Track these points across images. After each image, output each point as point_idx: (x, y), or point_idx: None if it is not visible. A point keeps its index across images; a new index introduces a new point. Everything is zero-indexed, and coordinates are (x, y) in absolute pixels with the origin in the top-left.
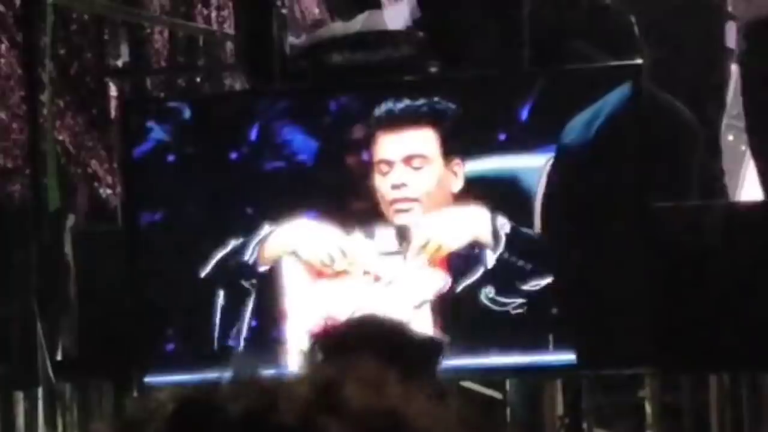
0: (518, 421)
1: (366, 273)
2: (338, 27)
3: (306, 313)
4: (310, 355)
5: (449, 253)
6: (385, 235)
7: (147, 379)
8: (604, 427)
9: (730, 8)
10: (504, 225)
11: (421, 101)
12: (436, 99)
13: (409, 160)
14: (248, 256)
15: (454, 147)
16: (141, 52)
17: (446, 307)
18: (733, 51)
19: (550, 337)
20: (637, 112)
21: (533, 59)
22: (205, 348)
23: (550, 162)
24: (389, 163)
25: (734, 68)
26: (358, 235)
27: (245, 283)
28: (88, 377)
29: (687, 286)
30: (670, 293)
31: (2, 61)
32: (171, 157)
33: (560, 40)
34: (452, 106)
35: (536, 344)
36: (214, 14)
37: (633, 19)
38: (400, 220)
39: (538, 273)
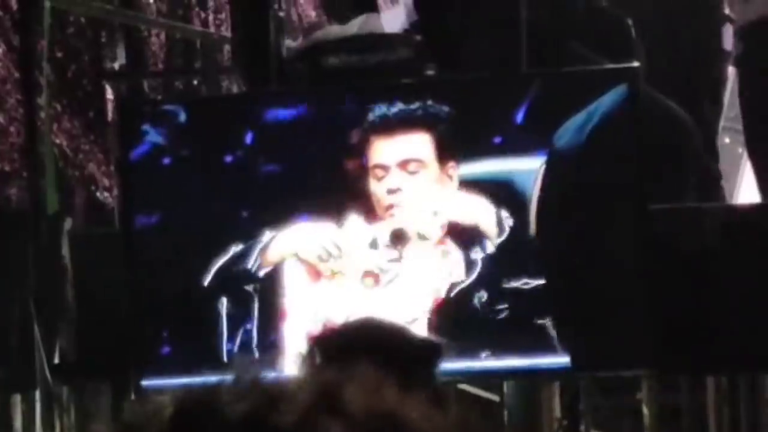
0: (516, 424)
1: (365, 274)
2: (335, 30)
3: (306, 315)
4: (310, 358)
5: (451, 232)
6: (381, 236)
7: (144, 383)
8: (602, 429)
9: (726, 10)
10: (508, 218)
11: (415, 105)
12: (430, 102)
13: (404, 164)
14: (251, 263)
15: (450, 150)
16: (138, 55)
17: (442, 310)
18: (730, 53)
19: (547, 340)
20: (634, 114)
21: (530, 62)
22: (203, 351)
23: (546, 164)
24: (384, 168)
25: (731, 70)
26: (352, 229)
27: (247, 288)
28: (85, 380)
29: (684, 288)
30: (668, 295)
31: None
32: (168, 160)
33: (557, 42)
34: (446, 109)
35: (533, 347)
36: (211, 17)
37: (630, 21)
38: (396, 222)
39: (534, 275)
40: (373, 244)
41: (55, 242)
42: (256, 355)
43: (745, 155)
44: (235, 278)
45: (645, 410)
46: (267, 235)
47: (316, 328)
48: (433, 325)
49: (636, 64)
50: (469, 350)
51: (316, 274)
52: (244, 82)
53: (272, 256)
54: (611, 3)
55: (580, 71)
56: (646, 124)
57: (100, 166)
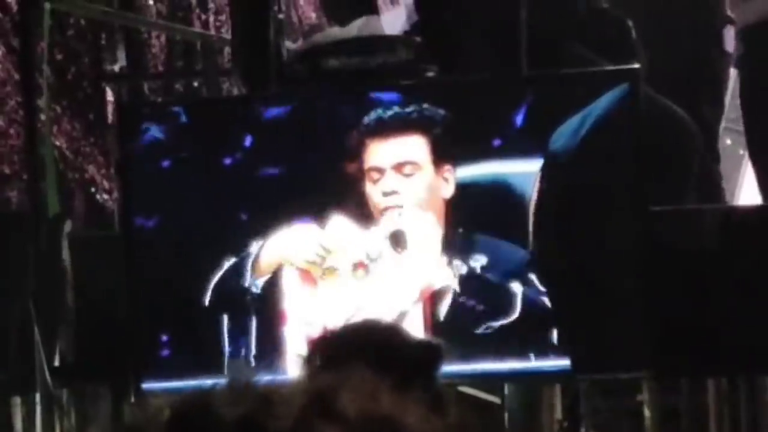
0: (516, 426)
1: (355, 266)
2: (335, 32)
3: (305, 319)
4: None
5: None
6: (379, 239)
7: (144, 386)
8: (602, 430)
9: (728, 12)
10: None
11: (410, 108)
12: (425, 105)
13: (399, 167)
14: (245, 275)
15: (445, 153)
16: (138, 57)
17: (439, 311)
18: (732, 55)
19: (547, 342)
20: (635, 115)
21: (530, 63)
22: (203, 354)
23: (545, 166)
24: (380, 171)
25: (732, 72)
26: (340, 226)
27: (244, 297)
28: (85, 383)
29: (685, 290)
30: (668, 297)
31: None
32: (168, 162)
33: (557, 44)
34: (442, 111)
35: (533, 349)
36: (211, 19)
37: (630, 22)
38: (391, 225)
39: (533, 277)
40: (361, 238)
41: (55, 245)
42: (257, 358)
43: (746, 157)
44: (230, 290)
45: (645, 412)
46: (254, 245)
47: (316, 332)
48: (429, 327)
49: (637, 65)
50: (469, 352)
51: (311, 278)
52: (244, 84)
53: (265, 263)
54: (612, 4)
55: (580, 73)
56: (646, 125)
57: (100, 168)
